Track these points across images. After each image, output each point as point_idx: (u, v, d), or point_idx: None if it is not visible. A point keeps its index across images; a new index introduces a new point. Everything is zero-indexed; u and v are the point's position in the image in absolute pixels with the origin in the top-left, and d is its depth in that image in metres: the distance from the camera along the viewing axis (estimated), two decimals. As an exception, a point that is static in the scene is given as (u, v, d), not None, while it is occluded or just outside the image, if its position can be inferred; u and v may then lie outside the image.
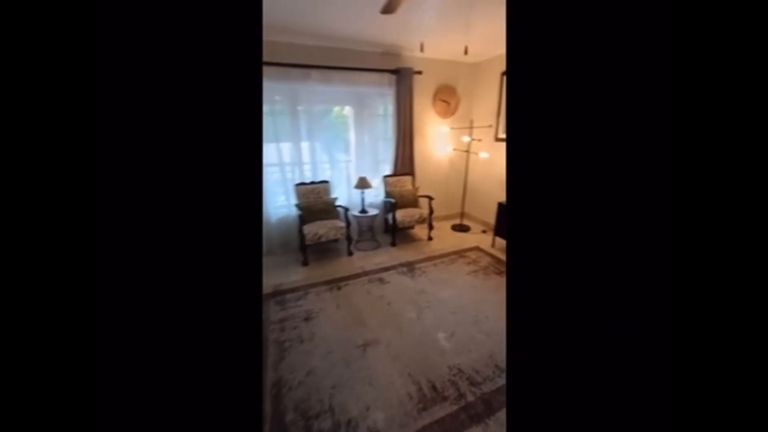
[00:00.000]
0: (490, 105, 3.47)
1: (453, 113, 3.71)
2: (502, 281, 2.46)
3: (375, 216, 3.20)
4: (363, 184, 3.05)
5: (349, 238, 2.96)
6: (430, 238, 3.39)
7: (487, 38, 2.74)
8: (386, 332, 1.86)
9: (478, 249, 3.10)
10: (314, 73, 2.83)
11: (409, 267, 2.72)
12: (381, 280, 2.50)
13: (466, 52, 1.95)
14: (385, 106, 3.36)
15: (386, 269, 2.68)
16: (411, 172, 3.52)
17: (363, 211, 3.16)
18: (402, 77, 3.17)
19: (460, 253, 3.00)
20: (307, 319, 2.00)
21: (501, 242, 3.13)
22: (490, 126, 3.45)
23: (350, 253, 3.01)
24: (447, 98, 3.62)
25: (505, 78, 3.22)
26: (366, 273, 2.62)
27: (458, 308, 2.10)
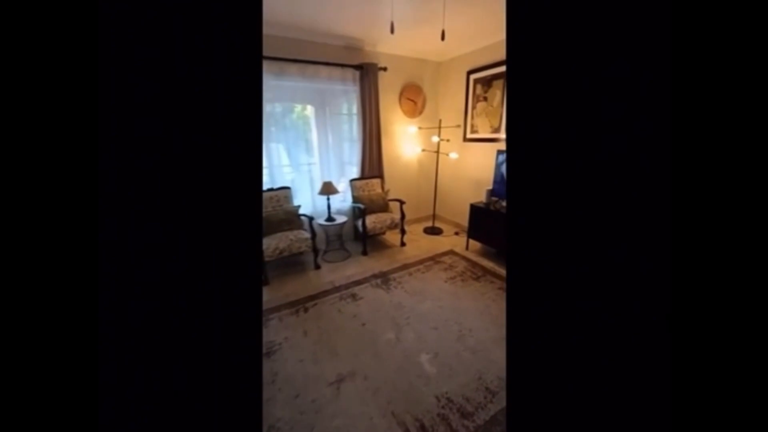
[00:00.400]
0: (457, 104, 3.39)
1: (420, 112, 3.58)
2: (480, 287, 2.36)
3: (343, 224, 2.94)
4: (328, 189, 2.77)
5: (315, 250, 2.67)
6: (403, 244, 3.21)
7: (452, 37, 2.63)
8: (362, 361, 1.62)
9: (452, 253, 2.99)
10: (264, 64, 2.50)
11: (384, 278, 2.51)
12: (353, 296, 2.26)
13: (443, 38, 1.78)
14: (349, 105, 3.11)
15: (358, 282, 2.44)
16: (380, 175, 3.31)
17: (330, 219, 2.88)
18: (366, 73, 2.95)
19: (435, 259, 2.86)
20: (268, 353, 1.69)
21: (475, 245, 3.06)
22: (459, 126, 3.37)
23: (317, 267, 2.72)
24: (413, 97, 3.48)
25: (471, 77, 3.16)
26: (336, 288, 2.36)
27: (439, 322, 1.93)
